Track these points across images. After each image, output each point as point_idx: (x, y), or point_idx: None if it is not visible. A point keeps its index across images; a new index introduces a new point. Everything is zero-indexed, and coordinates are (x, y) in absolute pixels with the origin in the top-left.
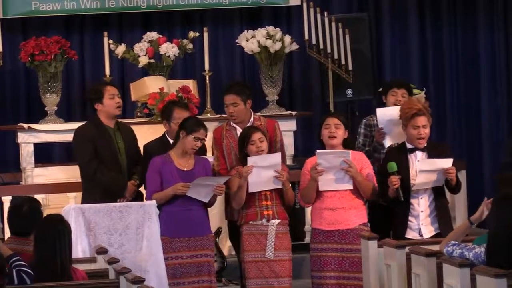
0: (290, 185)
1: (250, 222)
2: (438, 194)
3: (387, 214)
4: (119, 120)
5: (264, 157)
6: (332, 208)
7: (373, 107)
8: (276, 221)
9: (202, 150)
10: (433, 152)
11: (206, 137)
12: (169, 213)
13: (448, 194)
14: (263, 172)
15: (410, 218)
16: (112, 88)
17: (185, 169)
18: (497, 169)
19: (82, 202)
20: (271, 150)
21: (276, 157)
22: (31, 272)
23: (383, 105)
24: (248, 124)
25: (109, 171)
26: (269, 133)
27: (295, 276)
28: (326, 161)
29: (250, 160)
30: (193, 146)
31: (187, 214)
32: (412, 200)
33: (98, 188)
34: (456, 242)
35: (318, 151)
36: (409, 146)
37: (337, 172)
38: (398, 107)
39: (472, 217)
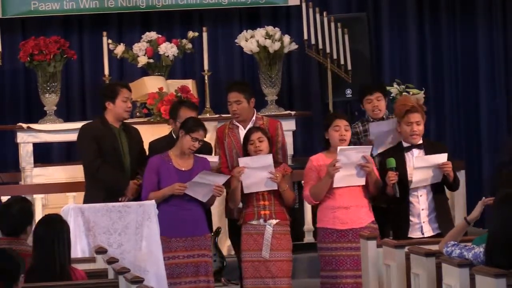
0: (288, 186)
1: (248, 222)
2: (436, 191)
3: (385, 215)
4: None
5: (255, 158)
6: (346, 206)
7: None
8: (274, 221)
9: (207, 150)
10: (430, 150)
11: (204, 138)
12: (166, 212)
13: (447, 192)
14: (257, 173)
15: (411, 217)
16: (127, 91)
17: (183, 169)
18: (496, 169)
19: (85, 201)
20: (272, 150)
21: (268, 159)
22: None
23: (363, 112)
24: (250, 123)
25: (112, 170)
26: (270, 133)
27: (294, 276)
28: (346, 157)
29: (241, 161)
30: (190, 146)
31: (184, 213)
32: (412, 199)
33: (101, 186)
34: (456, 242)
35: (340, 147)
36: (405, 144)
37: (353, 168)
38: (391, 121)
39: (468, 216)
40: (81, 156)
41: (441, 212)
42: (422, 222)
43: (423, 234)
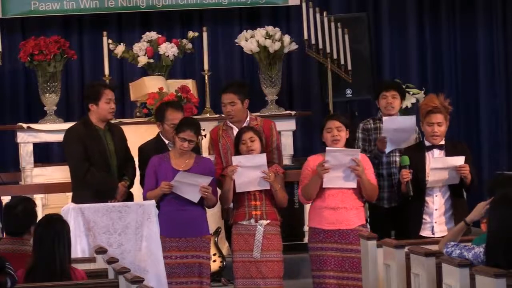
0: (280, 186)
1: (239, 222)
2: (455, 192)
3: (387, 215)
4: (112, 120)
5: (249, 157)
6: (334, 207)
7: (372, 107)
8: (265, 222)
9: (196, 150)
10: (451, 150)
11: (195, 138)
12: (163, 212)
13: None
14: (249, 172)
15: (424, 216)
16: (110, 92)
17: (181, 169)
18: (496, 169)
19: (72, 201)
20: (266, 150)
21: (262, 158)
22: (15, 276)
23: (377, 109)
24: (244, 124)
25: (99, 172)
26: (265, 133)
27: (294, 276)
28: (335, 158)
29: (235, 160)
30: (180, 147)
31: (181, 214)
32: (427, 198)
33: (88, 188)
34: (456, 243)
35: (328, 148)
36: (426, 143)
37: (343, 170)
38: (408, 118)
39: (467, 217)
40: (67, 159)
41: (458, 213)
42: (434, 222)
43: (433, 233)
